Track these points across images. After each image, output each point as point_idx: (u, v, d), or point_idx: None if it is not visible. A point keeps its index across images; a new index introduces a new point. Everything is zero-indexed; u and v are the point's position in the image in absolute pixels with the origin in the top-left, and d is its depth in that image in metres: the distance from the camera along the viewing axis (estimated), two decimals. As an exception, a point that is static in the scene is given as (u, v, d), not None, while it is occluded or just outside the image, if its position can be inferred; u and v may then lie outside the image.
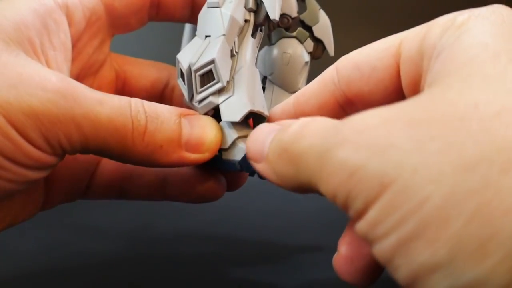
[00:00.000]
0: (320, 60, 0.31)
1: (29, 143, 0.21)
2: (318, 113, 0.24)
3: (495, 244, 0.14)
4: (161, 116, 0.24)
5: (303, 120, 0.20)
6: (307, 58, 0.30)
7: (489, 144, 0.15)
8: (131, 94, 0.31)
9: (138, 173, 0.29)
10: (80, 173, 0.29)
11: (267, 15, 0.27)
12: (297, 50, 0.30)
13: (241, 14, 0.26)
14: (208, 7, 0.26)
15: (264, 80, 0.31)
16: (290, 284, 0.32)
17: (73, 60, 0.28)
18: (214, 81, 0.25)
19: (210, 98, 0.25)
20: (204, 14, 0.26)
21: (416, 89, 0.21)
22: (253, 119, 0.26)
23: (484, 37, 0.18)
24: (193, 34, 0.27)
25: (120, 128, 0.22)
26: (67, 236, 0.39)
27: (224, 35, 0.25)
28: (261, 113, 0.25)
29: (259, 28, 0.27)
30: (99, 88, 0.30)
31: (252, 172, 0.25)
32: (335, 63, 0.24)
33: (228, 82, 0.25)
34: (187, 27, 0.32)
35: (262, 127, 0.22)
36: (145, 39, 0.52)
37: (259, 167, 0.21)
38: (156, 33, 0.52)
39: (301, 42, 0.31)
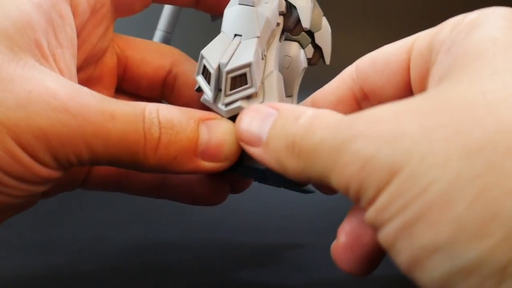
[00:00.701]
0: (315, 67, 0.32)
1: (38, 163, 0.21)
2: (335, 108, 0.25)
3: (496, 225, 0.14)
4: (177, 126, 0.23)
5: (310, 112, 0.20)
6: (305, 63, 0.31)
7: (494, 128, 0.15)
8: (132, 81, 0.30)
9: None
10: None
11: (297, 22, 0.26)
12: (298, 55, 0.30)
13: (275, 17, 0.25)
14: (240, 4, 0.25)
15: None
16: (292, 284, 0.33)
17: (78, 50, 0.26)
18: (247, 86, 0.24)
19: (239, 103, 0.24)
20: (234, 11, 0.25)
21: (422, 84, 0.22)
22: None
23: (494, 32, 0.18)
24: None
25: (132, 143, 0.22)
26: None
27: (258, 37, 0.24)
28: None
29: (284, 32, 0.27)
30: (100, 77, 0.28)
31: (280, 184, 0.25)
32: (356, 61, 0.25)
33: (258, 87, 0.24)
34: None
35: (255, 109, 0.22)
36: (149, 17, 0.46)
37: (255, 151, 0.21)
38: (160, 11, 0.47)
39: (303, 47, 0.31)
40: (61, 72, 0.23)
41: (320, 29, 0.31)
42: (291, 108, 0.21)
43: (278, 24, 0.26)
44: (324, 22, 0.31)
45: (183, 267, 0.35)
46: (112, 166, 0.23)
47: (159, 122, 0.22)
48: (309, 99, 0.26)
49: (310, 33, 0.31)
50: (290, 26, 0.26)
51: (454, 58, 0.19)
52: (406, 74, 0.23)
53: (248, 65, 0.23)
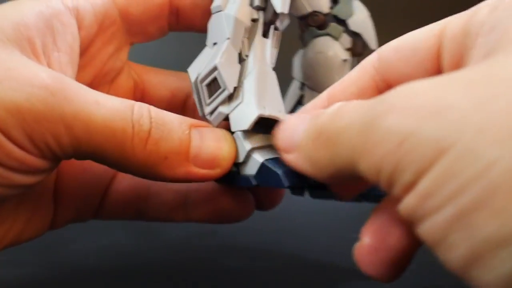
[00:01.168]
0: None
1: (11, 142, 0.20)
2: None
3: None
4: (169, 124, 0.22)
5: (338, 103, 0.18)
6: (344, 55, 0.28)
7: None
8: (151, 105, 0.30)
9: (156, 191, 0.27)
10: (92, 188, 0.27)
11: (275, 13, 0.24)
12: (331, 48, 0.28)
13: (247, 14, 0.24)
14: (213, 13, 0.24)
15: (302, 87, 0.29)
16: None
17: (86, 66, 0.27)
18: (221, 89, 0.23)
19: (220, 109, 0.23)
20: (211, 21, 0.25)
21: (456, 70, 0.19)
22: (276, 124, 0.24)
23: None
24: None
25: (118, 133, 0.20)
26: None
27: (228, 38, 0.23)
28: (275, 117, 0.22)
29: (273, 27, 0.25)
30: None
31: (277, 185, 0.22)
32: (377, 50, 0.22)
33: (236, 89, 0.23)
34: None
35: (293, 117, 0.21)
36: (167, 49, 0.51)
37: (290, 158, 0.20)
38: (180, 43, 0.51)
39: (336, 38, 0.28)
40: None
41: (351, 15, 0.28)
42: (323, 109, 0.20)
43: (255, 20, 0.24)
44: (358, 5, 0.28)
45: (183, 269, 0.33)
46: (98, 162, 0.22)
47: (150, 117, 0.21)
48: (324, 93, 0.23)
49: (342, 21, 0.28)
50: (270, 17, 0.24)
51: (501, 36, 0.17)
52: (435, 61, 0.20)
53: (215, 69, 0.23)
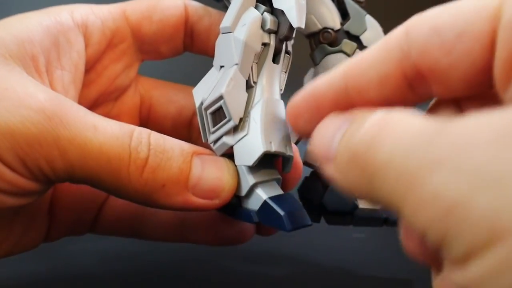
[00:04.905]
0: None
1: (4, 164, 0.19)
2: (379, 90, 0.19)
3: None
4: (169, 152, 0.21)
5: (378, 115, 0.16)
6: (359, 73, 0.26)
7: None
8: (156, 122, 0.28)
9: (152, 211, 0.26)
10: (87, 202, 0.26)
11: (290, 28, 0.22)
12: None
13: (257, 38, 0.22)
14: (222, 33, 0.23)
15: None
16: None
17: (91, 83, 0.26)
18: (226, 119, 0.22)
19: (224, 139, 0.22)
20: (219, 42, 0.23)
21: None
22: (282, 159, 0.22)
23: None
24: None
25: (114, 159, 0.20)
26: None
27: (236, 64, 0.22)
28: (281, 153, 0.21)
29: (284, 51, 0.23)
30: (118, 115, 0.28)
31: (279, 227, 0.21)
32: (405, 24, 0.18)
33: (242, 119, 0.22)
34: None
35: (330, 119, 0.18)
36: (180, 63, 0.50)
37: (327, 170, 0.17)
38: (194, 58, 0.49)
39: (349, 55, 0.26)
40: (54, 90, 0.22)
41: (365, 30, 0.27)
42: (363, 112, 0.17)
43: (266, 45, 0.22)
44: (369, 20, 0.27)
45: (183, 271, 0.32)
46: (92, 186, 0.21)
47: (149, 144, 0.21)
48: (340, 70, 0.19)
49: (354, 37, 0.27)
50: (284, 33, 0.22)
51: None
52: (487, 53, 0.17)
53: (221, 98, 0.21)
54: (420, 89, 0.18)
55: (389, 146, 0.14)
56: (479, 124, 0.13)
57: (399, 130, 0.14)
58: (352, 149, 0.16)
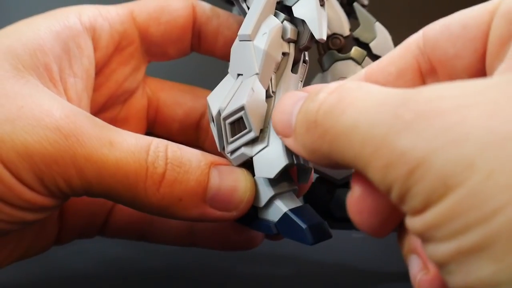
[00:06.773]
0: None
1: (22, 184, 0.19)
2: (395, 83, 0.21)
3: None
4: (186, 165, 0.21)
5: (334, 85, 0.17)
6: (367, 80, 0.26)
7: None
8: (163, 124, 0.28)
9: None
10: (96, 208, 0.26)
11: (311, 38, 0.22)
12: (354, 73, 0.26)
13: (278, 47, 0.22)
14: (240, 40, 0.22)
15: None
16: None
17: (100, 87, 0.25)
18: (246, 130, 0.21)
19: (243, 150, 0.22)
20: (236, 49, 0.22)
21: (500, 52, 0.18)
22: (297, 170, 0.22)
23: None
24: None
25: (131, 175, 0.20)
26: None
27: (257, 74, 0.21)
28: (303, 166, 0.21)
29: (302, 60, 0.23)
30: (126, 118, 0.27)
31: (301, 240, 0.21)
32: (423, 28, 0.21)
33: (262, 130, 0.21)
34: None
35: (289, 95, 0.19)
36: (187, 62, 0.49)
37: (288, 142, 0.19)
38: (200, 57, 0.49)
39: (359, 63, 0.26)
40: (69, 100, 0.23)
41: (374, 38, 0.27)
42: (318, 85, 0.18)
43: (285, 54, 0.22)
44: (379, 27, 0.27)
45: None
46: (109, 200, 0.21)
47: (166, 158, 0.21)
48: (362, 72, 0.21)
49: (365, 45, 0.27)
50: (305, 43, 0.22)
51: None
52: (485, 40, 0.19)
53: (242, 109, 0.21)
54: (432, 82, 0.20)
55: (352, 113, 0.16)
56: (442, 93, 0.14)
57: (361, 98, 0.16)
58: (310, 118, 0.17)
